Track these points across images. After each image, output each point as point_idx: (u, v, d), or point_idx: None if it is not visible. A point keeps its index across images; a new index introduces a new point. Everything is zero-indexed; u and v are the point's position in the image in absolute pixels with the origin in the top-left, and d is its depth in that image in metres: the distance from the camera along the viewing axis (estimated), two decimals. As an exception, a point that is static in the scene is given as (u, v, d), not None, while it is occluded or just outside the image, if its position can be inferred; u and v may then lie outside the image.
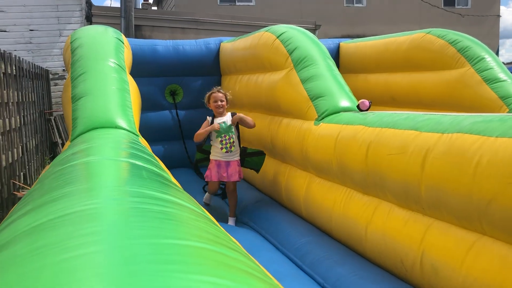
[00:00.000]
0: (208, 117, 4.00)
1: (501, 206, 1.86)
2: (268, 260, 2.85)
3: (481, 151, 1.97)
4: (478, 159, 1.97)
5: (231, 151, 3.91)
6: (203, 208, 1.44)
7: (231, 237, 1.13)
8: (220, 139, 3.89)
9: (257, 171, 4.21)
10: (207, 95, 4.00)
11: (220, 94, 3.93)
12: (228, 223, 3.92)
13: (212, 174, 3.92)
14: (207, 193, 4.18)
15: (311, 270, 2.82)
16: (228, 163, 3.91)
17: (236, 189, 4.04)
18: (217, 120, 3.93)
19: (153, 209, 1.06)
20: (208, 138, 4.00)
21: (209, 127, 3.88)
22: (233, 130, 3.94)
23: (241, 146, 4.08)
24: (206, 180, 4.03)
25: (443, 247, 2.20)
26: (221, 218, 3.93)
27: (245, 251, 1.05)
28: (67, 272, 0.68)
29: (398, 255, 2.49)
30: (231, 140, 3.91)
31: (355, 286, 2.51)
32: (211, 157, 3.97)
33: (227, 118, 3.95)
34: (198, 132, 3.94)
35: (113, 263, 0.71)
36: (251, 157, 4.14)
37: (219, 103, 3.90)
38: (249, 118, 4.01)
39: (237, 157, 3.96)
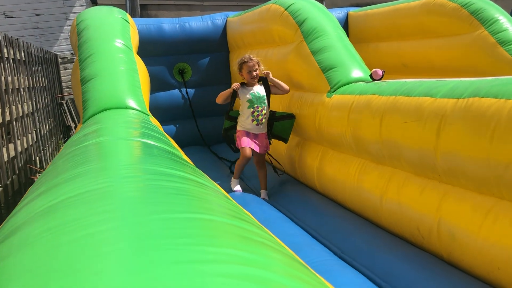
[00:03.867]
0: (237, 83, 3.74)
1: (519, 169, 1.82)
2: (284, 232, 2.86)
3: (498, 115, 1.92)
4: (496, 122, 1.92)
5: (261, 124, 3.76)
6: (215, 183, 1.44)
7: (244, 210, 1.12)
8: (252, 110, 3.70)
9: (285, 140, 3.92)
10: (239, 62, 3.72)
11: (252, 63, 3.66)
12: (261, 197, 3.74)
13: (242, 141, 3.72)
14: (233, 180, 3.86)
15: (327, 241, 2.83)
16: (256, 135, 3.77)
17: (265, 163, 3.89)
18: (249, 90, 3.72)
19: (166, 185, 1.05)
20: (232, 103, 3.78)
21: (229, 90, 3.68)
22: (265, 101, 3.75)
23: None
24: (238, 147, 3.78)
25: (460, 213, 2.18)
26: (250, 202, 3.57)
27: (259, 223, 1.05)
28: (82, 250, 0.68)
29: (415, 223, 2.48)
30: (263, 112, 3.74)
31: (371, 255, 2.52)
32: (239, 127, 3.80)
33: (259, 88, 3.75)
34: (221, 93, 3.76)
35: (127, 239, 0.71)
36: (281, 121, 3.87)
37: (253, 73, 3.68)
38: (281, 82, 3.75)
39: (265, 130, 3.82)
